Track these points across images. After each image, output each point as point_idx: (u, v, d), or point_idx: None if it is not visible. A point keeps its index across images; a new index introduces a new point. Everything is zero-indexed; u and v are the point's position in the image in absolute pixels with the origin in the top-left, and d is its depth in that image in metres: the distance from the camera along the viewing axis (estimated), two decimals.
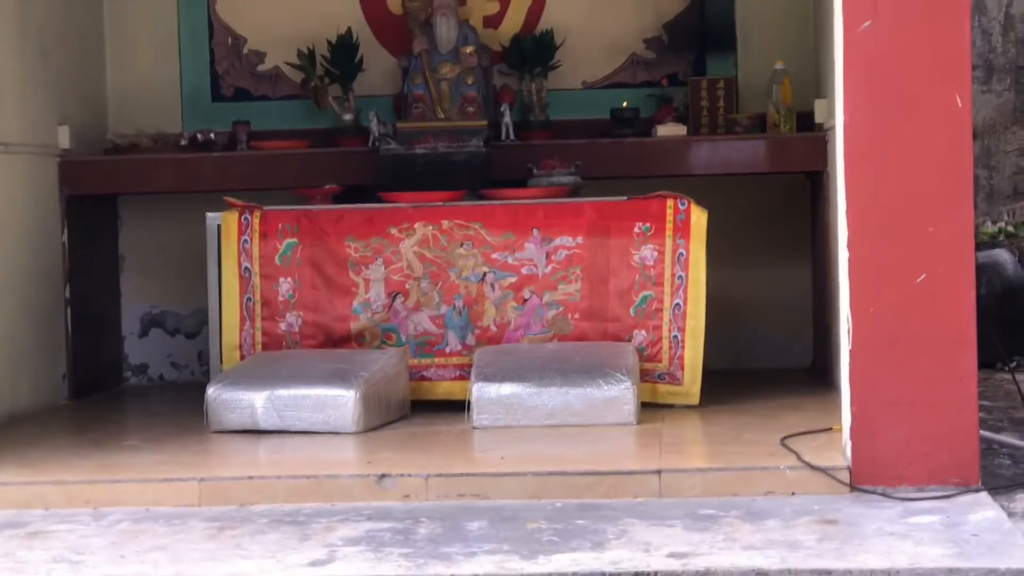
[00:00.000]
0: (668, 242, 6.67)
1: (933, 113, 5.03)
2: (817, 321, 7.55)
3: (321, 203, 7.12)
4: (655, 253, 6.68)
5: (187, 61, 8.08)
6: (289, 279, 6.85)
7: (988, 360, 7.25)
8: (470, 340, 6.77)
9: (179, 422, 6.54)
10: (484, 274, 6.78)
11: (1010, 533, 4.51)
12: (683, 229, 6.65)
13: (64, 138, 7.42)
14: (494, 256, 6.78)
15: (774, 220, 7.89)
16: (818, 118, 7.27)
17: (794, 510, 4.87)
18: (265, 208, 6.91)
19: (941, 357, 5.02)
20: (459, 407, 6.33)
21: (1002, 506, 4.87)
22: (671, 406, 6.57)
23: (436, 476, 5.23)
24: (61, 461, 5.73)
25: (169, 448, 5.94)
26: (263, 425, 6.19)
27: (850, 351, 5.07)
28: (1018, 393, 6.75)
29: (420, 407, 6.62)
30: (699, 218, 6.64)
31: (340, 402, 6.14)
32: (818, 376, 7.39)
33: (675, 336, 6.63)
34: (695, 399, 6.58)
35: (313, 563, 4.41)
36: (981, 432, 5.24)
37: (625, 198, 6.78)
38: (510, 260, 6.78)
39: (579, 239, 6.75)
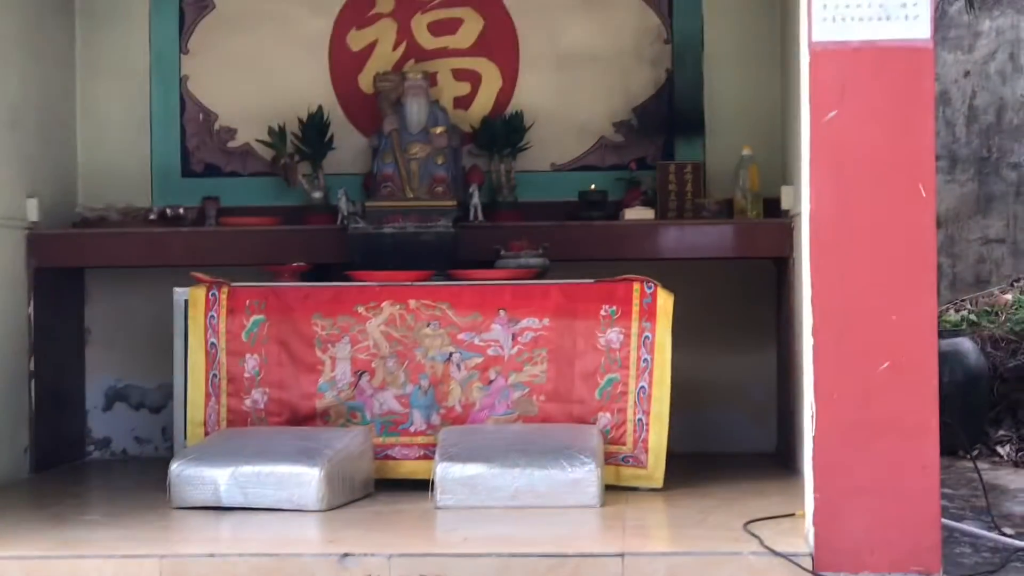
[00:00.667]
0: (634, 325, 6.69)
1: (898, 202, 5.08)
2: (781, 406, 7.58)
3: (289, 280, 7.13)
4: (621, 336, 6.70)
5: (158, 136, 8.10)
6: (255, 356, 6.85)
7: (951, 448, 7.29)
8: (435, 420, 6.77)
9: (141, 497, 6.50)
10: (450, 354, 6.79)
11: None
12: (649, 312, 6.68)
13: (33, 211, 7.43)
14: (460, 336, 6.80)
15: (740, 305, 7.93)
16: (784, 204, 7.32)
17: None
18: (233, 284, 6.91)
19: (904, 444, 5.05)
20: (423, 486, 6.32)
21: None
22: (635, 489, 6.57)
23: (399, 556, 5.21)
24: (21, 536, 5.68)
25: (131, 524, 5.91)
26: (226, 502, 6.17)
27: (813, 437, 5.09)
28: (979, 481, 6.78)
29: (384, 486, 6.61)
30: (665, 302, 6.67)
31: (304, 480, 6.13)
32: (781, 461, 7.40)
33: (640, 419, 6.65)
34: (659, 482, 6.58)
35: None
36: (943, 520, 5.26)
37: (592, 280, 6.81)
38: (476, 341, 6.79)
39: (545, 321, 6.77)
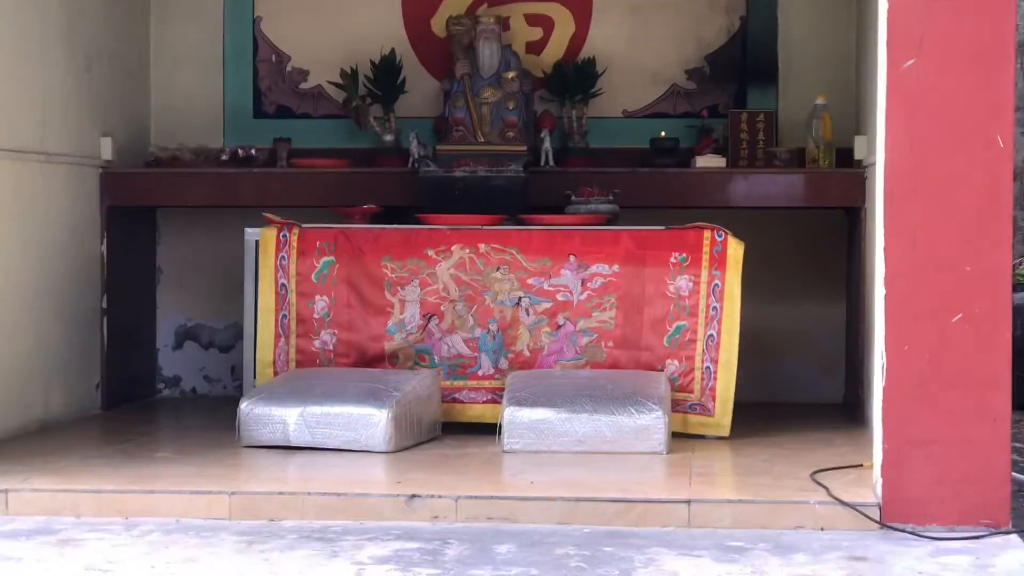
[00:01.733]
0: (704, 273, 6.68)
1: (974, 152, 5.03)
2: (850, 357, 7.54)
3: (359, 223, 7.15)
4: (691, 284, 6.68)
5: (231, 77, 8.13)
6: (325, 297, 6.88)
7: (1021, 403, 7.23)
8: (503, 364, 6.78)
9: (211, 436, 6.56)
10: (519, 299, 6.80)
11: None
12: (719, 260, 6.66)
13: (107, 150, 7.48)
14: (530, 281, 6.80)
15: (810, 255, 7.89)
16: (857, 154, 7.27)
17: (823, 545, 4.87)
18: (303, 226, 6.94)
19: (975, 397, 5.02)
20: (490, 430, 6.34)
21: None
22: (701, 437, 6.57)
23: (466, 498, 5.24)
24: (93, 470, 5.76)
25: (200, 461, 5.97)
26: (294, 441, 6.21)
27: (883, 388, 5.06)
28: None
29: (451, 429, 6.64)
30: (736, 250, 6.64)
31: (372, 421, 6.16)
32: (849, 412, 7.38)
33: (708, 367, 6.64)
34: (726, 431, 6.58)
35: None
36: (1013, 474, 5.23)
37: (662, 228, 6.80)
38: (546, 286, 6.79)
39: (615, 267, 6.76)
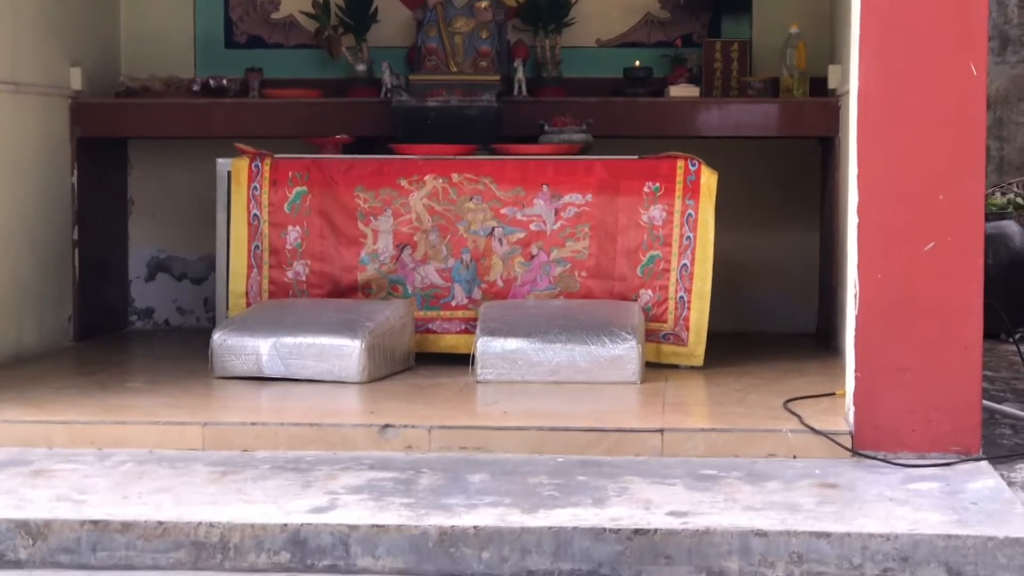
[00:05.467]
0: (677, 203, 6.67)
1: (948, 81, 5.02)
2: (823, 286, 7.56)
3: (332, 153, 7.12)
4: (664, 213, 6.68)
5: (201, 6, 8.06)
6: (298, 227, 6.85)
7: (993, 331, 7.26)
8: (476, 294, 6.78)
9: (183, 367, 6.55)
10: (492, 229, 6.79)
11: (1009, 502, 4.52)
12: (693, 190, 6.65)
13: (76, 80, 7.42)
14: (503, 211, 6.79)
15: (784, 184, 7.89)
16: (831, 83, 7.25)
17: (795, 473, 4.89)
18: (276, 156, 6.91)
19: (947, 325, 5.03)
20: (463, 360, 6.35)
21: (1002, 476, 4.89)
22: (675, 367, 6.58)
23: (439, 428, 5.25)
24: (66, 401, 5.75)
25: (173, 392, 5.96)
26: (267, 372, 6.21)
27: (856, 316, 5.07)
28: (1022, 364, 6.76)
29: (424, 359, 6.64)
30: (709, 179, 6.63)
31: (345, 352, 6.16)
32: (822, 341, 7.40)
33: (681, 297, 6.64)
34: (699, 360, 6.59)
35: (315, 509, 4.43)
36: (984, 402, 5.25)
37: (636, 157, 6.78)
38: (519, 216, 6.78)
39: (588, 197, 6.74)
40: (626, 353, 6.17)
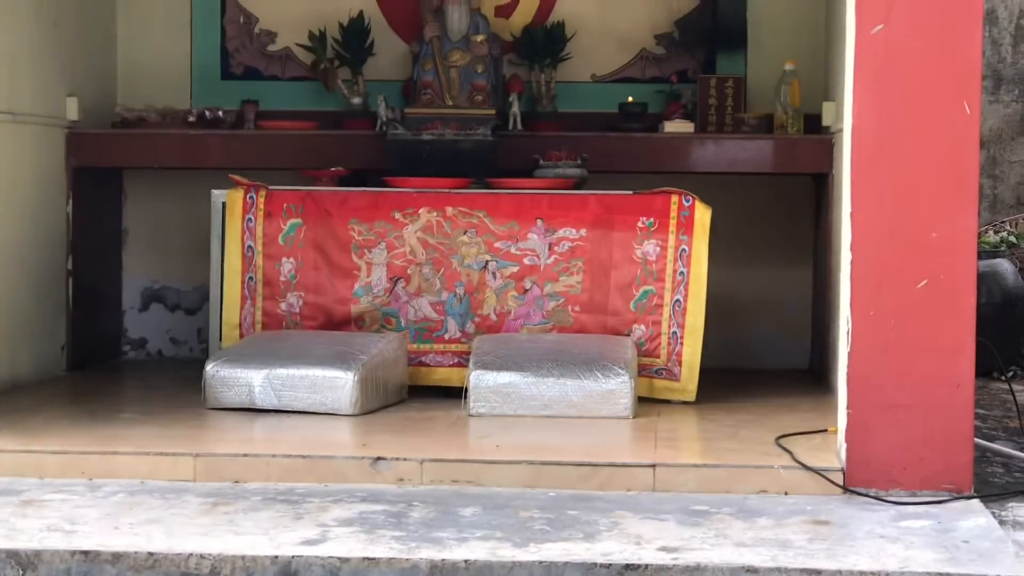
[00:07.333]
0: (671, 238, 6.68)
1: (941, 119, 5.04)
2: (816, 323, 7.57)
3: (327, 185, 7.14)
4: (658, 248, 6.69)
5: (198, 38, 8.09)
6: (292, 259, 6.86)
7: (985, 369, 7.27)
8: (469, 328, 6.78)
9: (176, 397, 6.55)
10: (486, 262, 6.80)
11: (1000, 541, 4.52)
12: (687, 225, 6.66)
13: (73, 110, 7.43)
14: (497, 245, 6.80)
15: (777, 221, 7.90)
16: (825, 120, 7.28)
17: (787, 509, 4.89)
18: (270, 188, 6.92)
19: (939, 363, 5.04)
20: (456, 394, 6.35)
21: (993, 514, 4.89)
22: (667, 402, 6.58)
23: (431, 461, 5.24)
24: (58, 431, 5.74)
25: (166, 423, 5.96)
26: (260, 404, 6.21)
27: (848, 353, 5.08)
28: (1013, 403, 6.77)
29: (417, 392, 6.64)
30: (703, 215, 6.65)
31: (338, 384, 6.16)
32: (815, 378, 7.40)
33: (674, 332, 6.65)
34: (692, 396, 6.59)
35: (306, 542, 4.42)
36: (975, 440, 5.25)
37: (630, 192, 6.80)
38: (513, 250, 6.79)
39: (582, 231, 6.76)
40: (619, 388, 6.17)
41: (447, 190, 6.88)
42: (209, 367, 6.29)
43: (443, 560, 4.27)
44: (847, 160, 5.14)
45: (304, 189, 6.96)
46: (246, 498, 4.97)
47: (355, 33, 7.85)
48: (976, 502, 4.99)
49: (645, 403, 6.41)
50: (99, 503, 4.90)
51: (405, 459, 5.24)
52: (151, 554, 4.31)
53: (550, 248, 6.77)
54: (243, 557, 4.29)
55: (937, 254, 5.04)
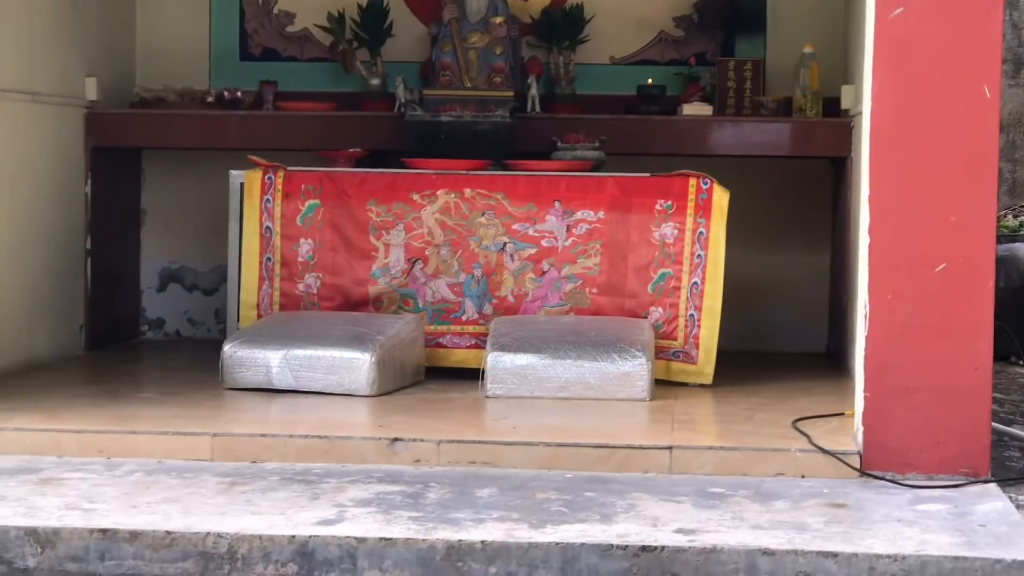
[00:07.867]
0: (689, 220, 6.67)
1: (961, 103, 5.02)
2: (833, 307, 7.56)
3: (344, 166, 7.14)
4: (675, 231, 6.68)
5: (217, 18, 8.09)
6: (309, 240, 6.87)
7: (1003, 353, 7.27)
8: (487, 309, 6.79)
9: (194, 377, 6.57)
10: (504, 244, 6.80)
11: (1017, 525, 4.52)
12: (704, 208, 6.66)
13: (92, 90, 7.45)
14: (515, 227, 6.80)
15: (795, 204, 7.89)
16: (844, 104, 7.26)
17: (803, 492, 4.89)
18: (289, 168, 6.92)
19: (957, 346, 5.03)
20: (473, 375, 6.35)
21: (1010, 498, 4.88)
22: (684, 384, 6.58)
23: (448, 442, 5.25)
24: (76, 410, 5.76)
25: (183, 402, 5.97)
26: (277, 384, 6.22)
27: (866, 336, 5.08)
28: None
29: (434, 373, 6.65)
30: (721, 198, 6.64)
31: (355, 365, 6.17)
32: (832, 361, 7.40)
33: (691, 315, 6.64)
34: (708, 378, 6.59)
35: (322, 522, 4.44)
36: (993, 424, 5.25)
37: (648, 175, 6.79)
38: (531, 231, 6.79)
39: (600, 214, 6.75)
40: (636, 370, 6.17)
41: (465, 172, 6.88)
42: (227, 347, 6.30)
43: (460, 541, 4.28)
44: (865, 143, 5.13)
45: (322, 170, 6.97)
46: (263, 478, 4.99)
47: (374, 14, 7.84)
48: (993, 486, 4.99)
49: (662, 385, 6.41)
50: (117, 482, 4.92)
51: (422, 440, 5.25)
52: (168, 533, 4.33)
53: (568, 230, 6.77)
54: (260, 536, 4.31)
55: (955, 238, 5.03)
